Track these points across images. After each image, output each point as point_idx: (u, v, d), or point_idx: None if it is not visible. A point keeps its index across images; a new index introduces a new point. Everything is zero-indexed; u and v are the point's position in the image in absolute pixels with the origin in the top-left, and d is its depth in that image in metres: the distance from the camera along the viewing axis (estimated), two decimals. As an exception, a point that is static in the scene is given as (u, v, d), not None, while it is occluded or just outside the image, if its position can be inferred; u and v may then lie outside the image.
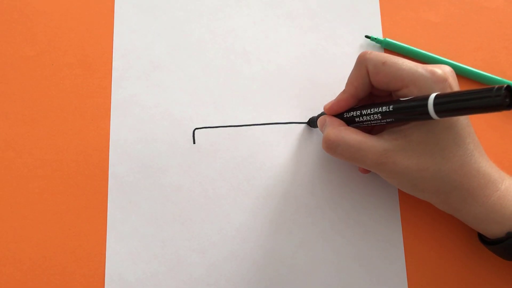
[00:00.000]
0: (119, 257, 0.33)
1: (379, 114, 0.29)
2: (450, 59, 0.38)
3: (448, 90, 0.27)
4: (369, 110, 0.29)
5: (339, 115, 0.32)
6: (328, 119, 0.32)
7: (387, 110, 0.28)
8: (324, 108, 0.33)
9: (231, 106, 0.36)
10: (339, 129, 0.30)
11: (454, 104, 0.24)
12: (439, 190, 0.28)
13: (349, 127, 0.31)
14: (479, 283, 0.34)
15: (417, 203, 0.35)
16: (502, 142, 0.37)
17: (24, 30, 0.37)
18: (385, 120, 0.29)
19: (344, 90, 0.32)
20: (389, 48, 0.38)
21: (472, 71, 0.37)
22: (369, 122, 0.30)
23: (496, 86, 0.22)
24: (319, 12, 0.39)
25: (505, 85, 0.22)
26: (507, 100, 0.22)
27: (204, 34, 0.38)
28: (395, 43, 0.38)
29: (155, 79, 0.37)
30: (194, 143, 0.36)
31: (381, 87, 0.30)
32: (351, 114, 0.31)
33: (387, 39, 0.38)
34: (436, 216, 0.35)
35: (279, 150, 0.36)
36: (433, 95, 0.25)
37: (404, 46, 0.38)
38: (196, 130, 0.36)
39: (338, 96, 0.32)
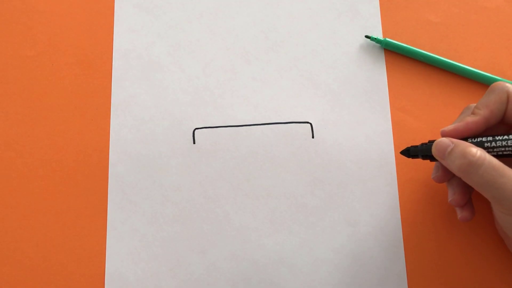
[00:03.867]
0: (119, 257, 0.33)
1: None
2: (450, 59, 0.38)
3: None
4: (506, 136, 0.28)
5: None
6: (456, 140, 0.28)
7: None
8: (442, 133, 0.30)
9: (231, 106, 0.36)
10: (482, 149, 0.27)
11: None
12: None
13: None
14: (479, 282, 0.34)
15: (417, 203, 0.35)
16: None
17: (24, 30, 0.37)
18: None
19: (474, 113, 0.29)
20: (389, 48, 0.38)
21: (472, 71, 0.37)
22: (503, 149, 0.28)
23: None
24: (319, 12, 0.39)
25: None
26: None
27: (204, 34, 0.38)
28: (395, 43, 0.38)
29: (155, 79, 0.37)
30: (194, 143, 0.36)
31: None
32: (479, 140, 0.29)
33: (387, 39, 0.38)
34: (436, 217, 0.35)
35: (279, 150, 0.36)
36: None
37: (404, 46, 0.38)
38: (196, 130, 0.36)
39: (465, 119, 0.29)
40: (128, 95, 0.36)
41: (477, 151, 0.27)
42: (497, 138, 0.28)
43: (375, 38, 0.38)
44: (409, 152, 0.32)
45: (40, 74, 0.36)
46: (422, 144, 0.31)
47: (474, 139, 0.29)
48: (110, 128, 0.36)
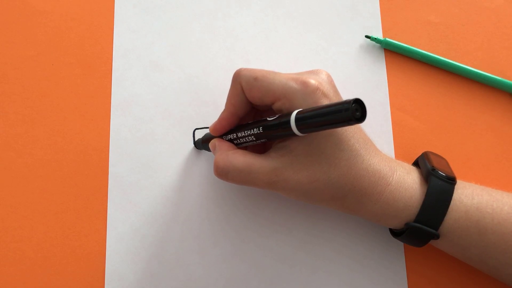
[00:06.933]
0: (119, 257, 0.33)
1: (252, 136, 0.29)
2: (450, 59, 0.38)
3: (322, 100, 0.27)
4: (243, 132, 0.29)
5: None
6: (217, 143, 0.31)
7: (258, 132, 0.28)
8: (209, 130, 0.32)
9: (231, 106, 0.36)
10: (227, 154, 0.29)
11: (312, 121, 0.24)
12: (334, 196, 0.28)
13: (238, 150, 0.30)
14: (479, 282, 0.34)
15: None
16: (502, 143, 0.37)
17: (24, 30, 0.37)
18: (259, 141, 0.29)
19: (224, 109, 0.31)
20: (389, 48, 0.38)
21: (472, 71, 0.37)
22: (247, 144, 0.30)
23: (345, 100, 0.22)
24: (319, 12, 0.39)
25: (353, 99, 0.22)
26: (358, 113, 0.22)
27: (204, 34, 0.38)
28: (395, 43, 0.38)
29: (155, 79, 0.37)
30: (194, 143, 0.36)
31: (256, 102, 0.29)
32: (229, 138, 0.31)
33: (387, 39, 0.38)
34: (436, 216, 0.35)
35: (279, 150, 0.36)
36: (294, 113, 0.25)
37: (404, 46, 0.38)
38: (196, 130, 0.36)
39: (220, 115, 0.31)
40: (128, 95, 0.36)
41: (220, 163, 0.29)
42: (239, 134, 0.30)
43: (375, 38, 0.38)
44: (196, 145, 0.35)
45: (40, 74, 0.36)
46: (204, 136, 0.34)
47: (227, 137, 0.31)
48: (110, 128, 0.36)
